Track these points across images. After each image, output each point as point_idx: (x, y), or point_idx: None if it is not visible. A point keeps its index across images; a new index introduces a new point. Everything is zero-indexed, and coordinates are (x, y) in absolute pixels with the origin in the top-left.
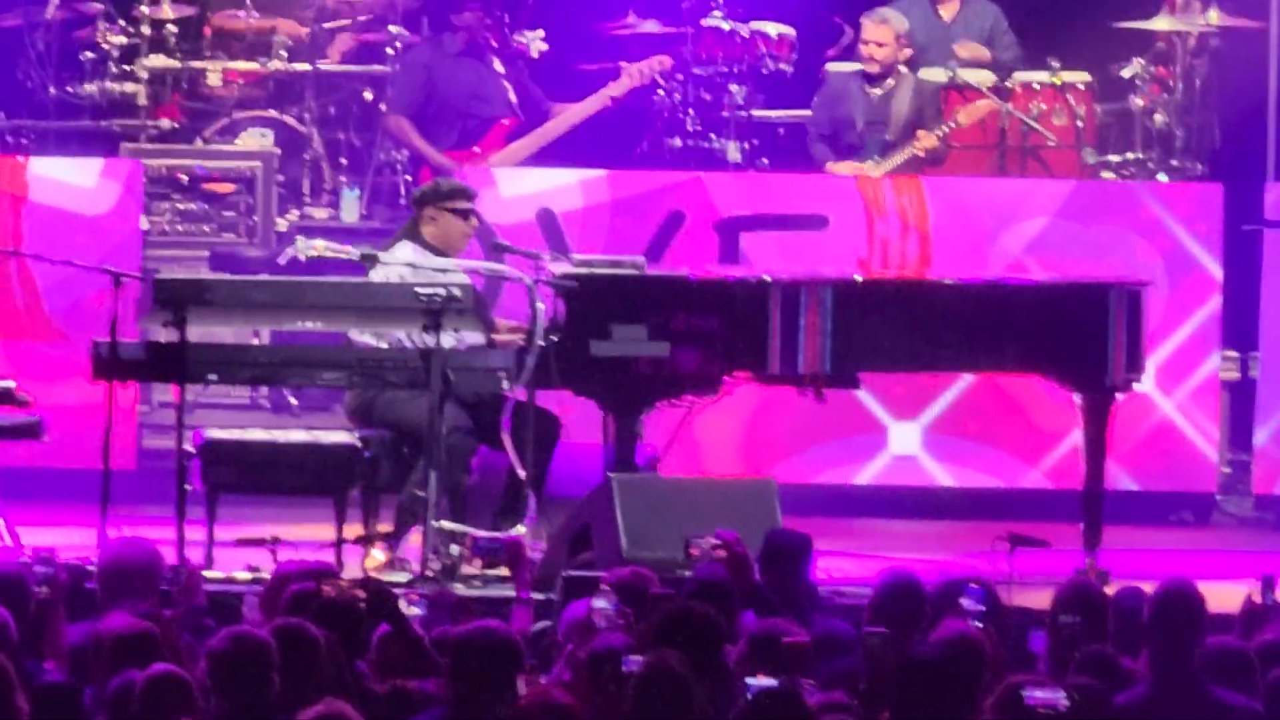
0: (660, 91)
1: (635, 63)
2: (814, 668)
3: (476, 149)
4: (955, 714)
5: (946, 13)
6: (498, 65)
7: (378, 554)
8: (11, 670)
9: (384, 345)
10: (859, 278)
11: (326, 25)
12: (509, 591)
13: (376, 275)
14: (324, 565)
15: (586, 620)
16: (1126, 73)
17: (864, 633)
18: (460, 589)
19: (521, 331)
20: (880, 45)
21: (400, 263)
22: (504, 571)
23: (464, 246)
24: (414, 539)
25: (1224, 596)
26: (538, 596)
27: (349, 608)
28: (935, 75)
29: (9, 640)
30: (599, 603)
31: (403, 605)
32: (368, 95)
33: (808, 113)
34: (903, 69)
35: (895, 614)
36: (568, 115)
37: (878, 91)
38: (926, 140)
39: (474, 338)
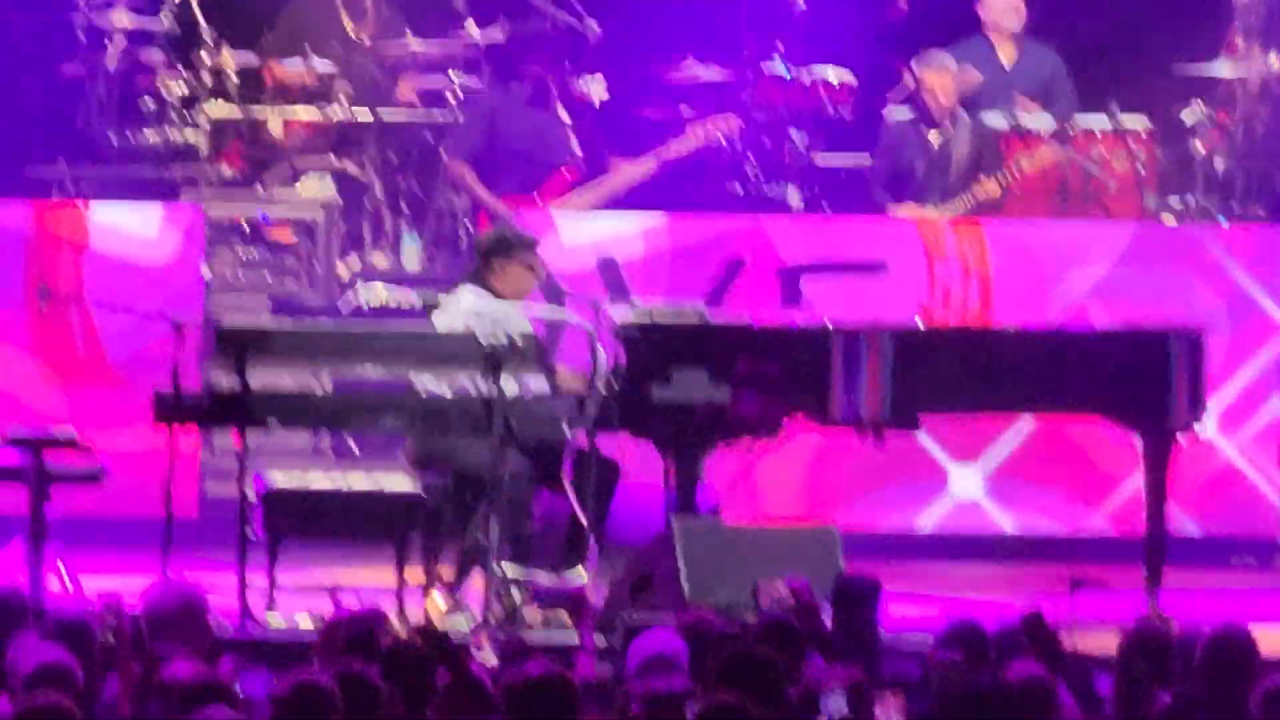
0: (720, 139)
1: (702, 121)
2: None
3: (536, 196)
4: None
5: (1005, 57)
6: (562, 113)
7: (439, 600)
8: (79, 715)
9: (446, 392)
10: (920, 323)
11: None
12: (572, 638)
13: (439, 321)
14: (377, 611)
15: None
16: (1187, 117)
17: (934, 661)
18: (522, 635)
19: (583, 379)
20: (943, 91)
21: (463, 309)
22: (566, 617)
23: (529, 296)
24: (475, 584)
25: None
26: (600, 642)
27: (408, 654)
28: (995, 120)
29: (74, 685)
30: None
31: (474, 650)
32: (428, 138)
33: (868, 158)
34: (961, 113)
35: (960, 657)
36: (631, 171)
37: (937, 136)
38: (989, 187)
39: (536, 383)
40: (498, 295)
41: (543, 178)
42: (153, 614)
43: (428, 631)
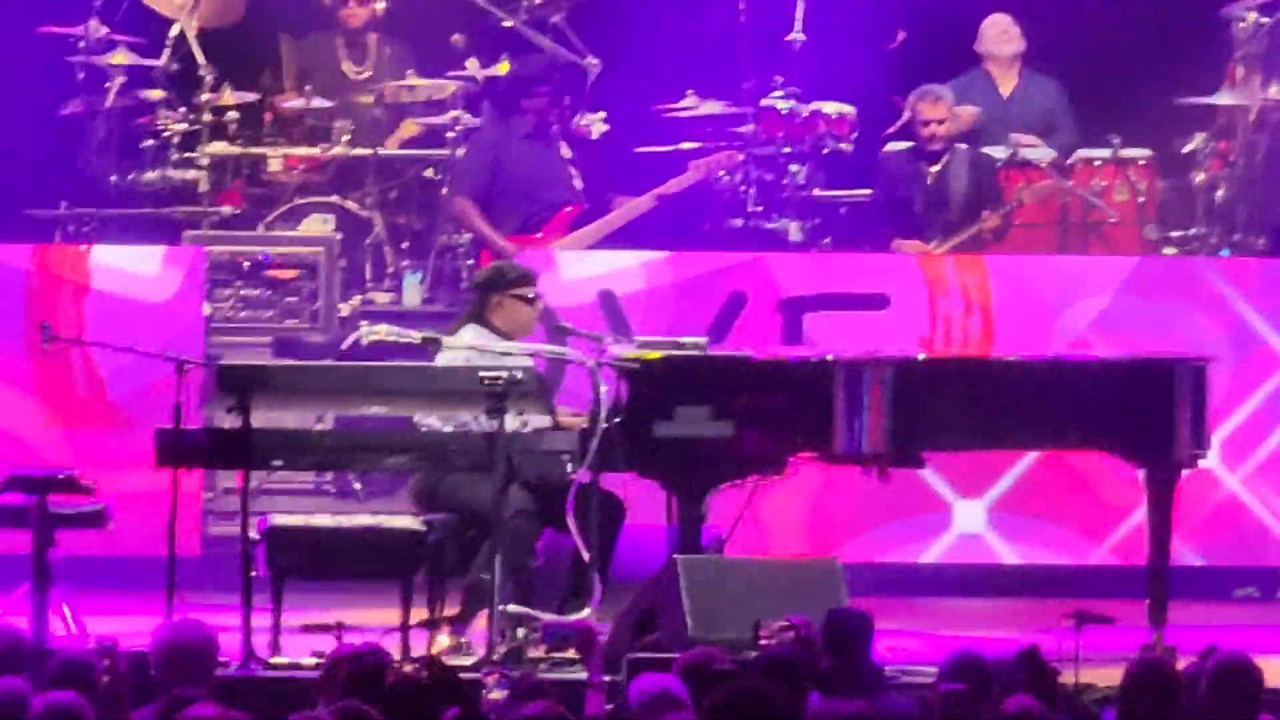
0: (722, 173)
1: (703, 156)
2: None
3: (539, 235)
4: None
5: (1005, 88)
6: (565, 150)
7: (444, 639)
8: None
9: (448, 429)
10: (922, 356)
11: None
12: (578, 674)
13: (441, 360)
14: (374, 647)
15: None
16: (1188, 148)
17: (938, 692)
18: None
19: (582, 418)
20: (940, 123)
21: (464, 346)
22: (571, 655)
23: (531, 331)
24: (480, 623)
25: None
26: (605, 679)
27: (413, 690)
28: (994, 152)
29: None
30: None
31: (487, 686)
32: (429, 173)
33: (868, 191)
34: (959, 145)
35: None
36: (632, 206)
37: (935, 169)
38: (990, 221)
39: (538, 421)
40: (499, 332)
41: (545, 215)
42: (164, 652)
43: (435, 666)
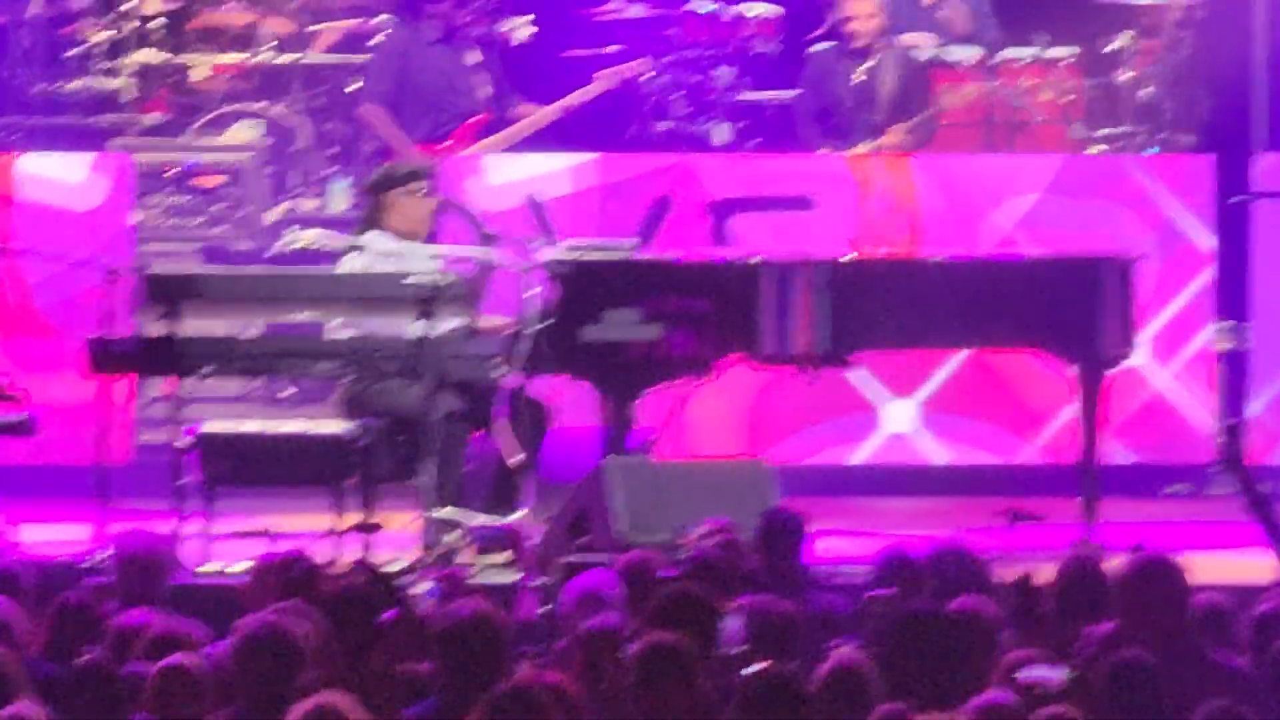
0: (650, 72)
1: (611, 67)
2: (812, 644)
3: (446, 144)
4: (962, 673)
5: None
6: (474, 56)
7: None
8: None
9: (377, 334)
10: (849, 256)
11: (311, 29)
12: (511, 578)
13: (348, 265)
14: (300, 552)
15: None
16: (1112, 47)
17: (866, 598)
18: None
19: (505, 322)
20: (868, 17)
21: (382, 251)
22: (502, 558)
23: (426, 229)
24: (411, 527)
25: (1221, 568)
26: (537, 582)
27: (351, 595)
28: (920, 52)
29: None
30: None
31: (416, 588)
32: (354, 85)
33: (795, 93)
34: (887, 44)
35: (896, 588)
36: (538, 117)
37: (863, 69)
38: (895, 136)
39: (464, 324)
40: (398, 234)
41: (453, 124)
42: (124, 561)
43: (369, 570)
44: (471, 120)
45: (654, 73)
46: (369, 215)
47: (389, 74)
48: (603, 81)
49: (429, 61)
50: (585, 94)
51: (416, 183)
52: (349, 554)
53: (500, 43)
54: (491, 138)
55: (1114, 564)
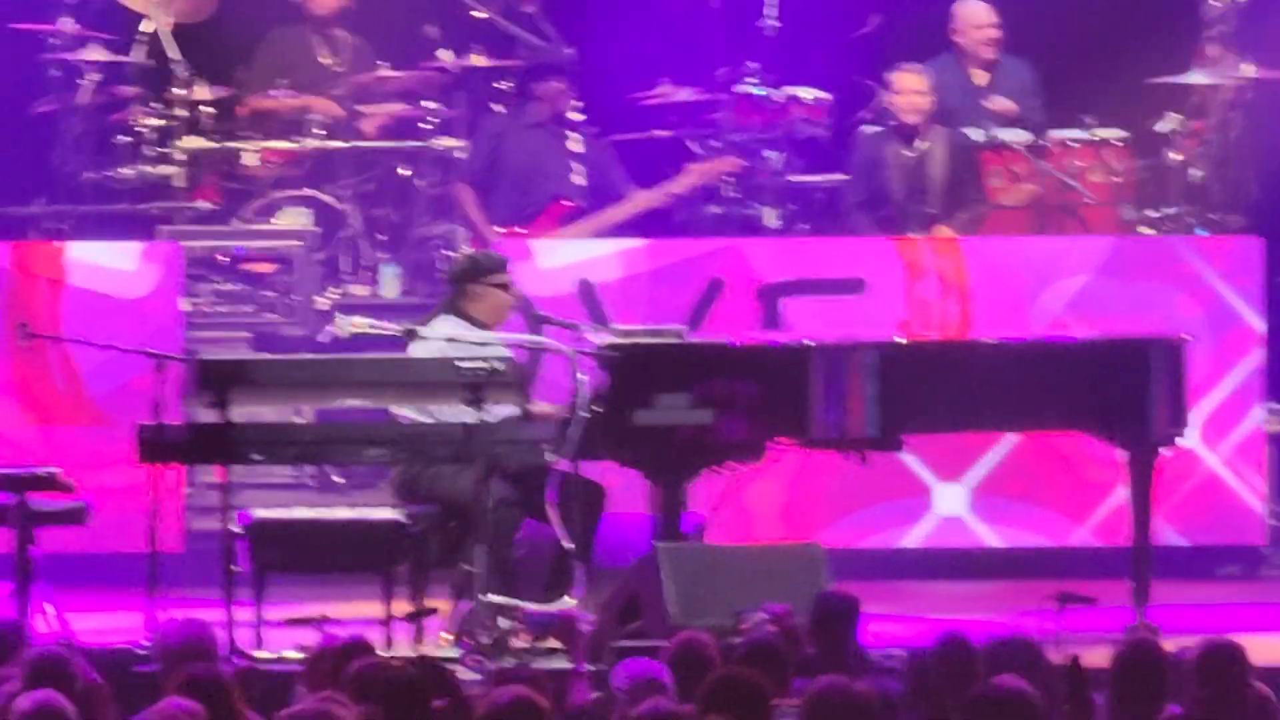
0: (741, 165)
1: (702, 162)
2: None
3: (521, 229)
4: None
5: (979, 78)
6: (574, 143)
7: (445, 635)
8: None
9: (428, 420)
10: (900, 339)
11: (361, 108)
12: (563, 664)
13: (416, 351)
14: (360, 640)
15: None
16: (1162, 127)
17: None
18: (516, 662)
19: (558, 408)
20: (918, 93)
21: (441, 337)
22: (554, 644)
23: (508, 318)
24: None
25: (1274, 649)
26: (590, 668)
27: (405, 684)
28: (971, 134)
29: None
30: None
31: (460, 672)
32: (403, 170)
33: (844, 176)
34: (936, 127)
35: (948, 672)
36: (623, 208)
37: (912, 153)
38: (947, 230)
39: (512, 411)
40: (475, 322)
41: (539, 209)
42: (165, 651)
43: (422, 659)
44: (555, 206)
45: (742, 169)
46: (449, 302)
47: (483, 154)
48: (694, 175)
49: (524, 144)
50: (677, 185)
51: (500, 275)
52: (400, 641)
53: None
54: (579, 223)
55: (1176, 647)
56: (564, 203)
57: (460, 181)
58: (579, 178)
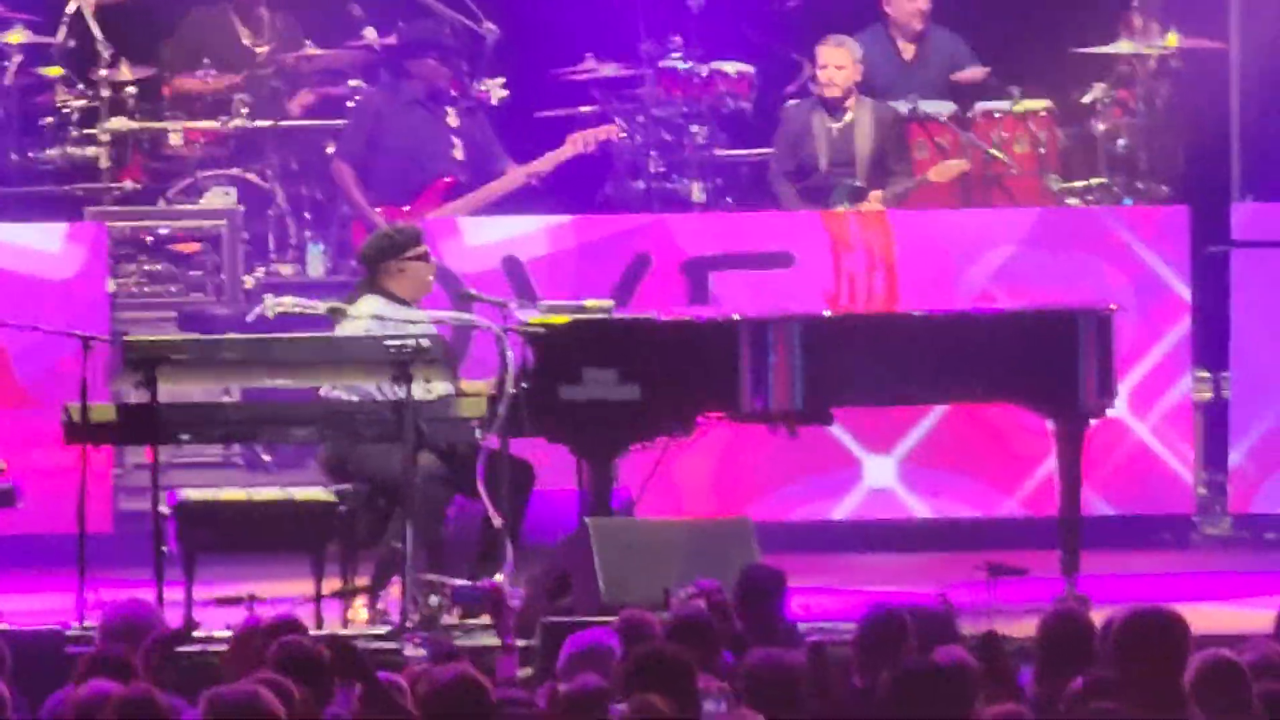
0: (621, 134)
1: (581, 131)
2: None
3: (406, 208)
4: None
5: (907, 51)
6: (453, 118)
7: (362, 611)
8: None
9: (354, 399)
10: (827, 313)
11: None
12: (491, 640)
13: (343, 330)
14: (289, 618)
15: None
16: (1088, 98)
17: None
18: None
19: (486, 385)
20: (840, 68)
21: (367, 315)
22: (484, 620)
23: (431, 289)
24: (393, 591)
25: (1206, 618)
26: (520, 643)
27: (315, 664)
28: (898, 107)
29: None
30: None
31: (407, 650)
32: (330, 149)
33: (770, 150)
34: (862, 98)
35: (881, 647)
36: (504, 181)
37: (838, 125)
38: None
39: (444, 388)
40: (398, 299)
41: (421, 187)
42: (110, 630)
43: (334, 641)
44: (438, 183)
45: (625, 135)
46: (369, 281)
47: (362, 134)
48: (574, 145)
49: (403, 122)
50: (556, 157)
51: (418, 247)
52: (330, 620)
53: (480, 105)
54: (459, 200)
55: (1104, 616)
56: (445, 180)
57: (338, 160)
58: (459, 153)
